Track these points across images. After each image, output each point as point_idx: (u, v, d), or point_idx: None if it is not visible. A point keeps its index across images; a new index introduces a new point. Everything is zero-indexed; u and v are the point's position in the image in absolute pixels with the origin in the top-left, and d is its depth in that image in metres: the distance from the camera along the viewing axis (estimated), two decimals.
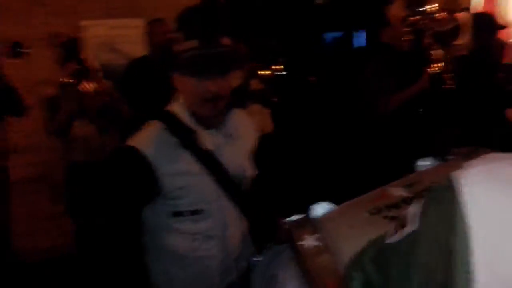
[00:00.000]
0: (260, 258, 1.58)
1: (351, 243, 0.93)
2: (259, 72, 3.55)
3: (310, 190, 3.89)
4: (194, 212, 1.50)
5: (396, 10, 3.14)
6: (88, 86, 3.10)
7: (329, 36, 9.11)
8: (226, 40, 1.46)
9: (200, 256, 1.54)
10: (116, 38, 4.01)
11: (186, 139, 1.50)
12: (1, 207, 3.32)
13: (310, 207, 1.07)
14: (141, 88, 3.46)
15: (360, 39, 8.70)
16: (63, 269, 3.54)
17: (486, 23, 3.37)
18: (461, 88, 3.04)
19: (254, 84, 3.75)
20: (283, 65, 3.54)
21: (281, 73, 3.56)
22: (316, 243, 0.95)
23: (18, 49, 3.12)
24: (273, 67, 3.57)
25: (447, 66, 3.04)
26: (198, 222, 1.51)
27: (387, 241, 0.65)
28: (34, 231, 3.81)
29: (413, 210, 0.64)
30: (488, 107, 2.91)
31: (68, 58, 3.11)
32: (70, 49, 3.12)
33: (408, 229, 0.62)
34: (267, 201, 1.73)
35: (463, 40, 3.25)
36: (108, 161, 1.62)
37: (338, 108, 6.16)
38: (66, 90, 3.07)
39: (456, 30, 3.27)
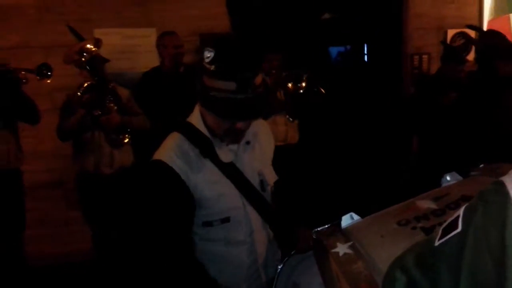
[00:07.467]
0: (281, 266, 1.63)
1: (383, 251, 1.00)
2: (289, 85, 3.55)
3: (325, 201, 3.95)
4: (224, 220, 1.54)
5: None
6: (107, 106, 3.19)
7: (338, 49, 9.31)
8: (259, 79, 1.41)
9: (229, 262, 1.58)
10: (129, 47, 4.07)
11: (207, 149, 1.53)
12: (15, 211, 3.36)
13: (341, 217, 1.13)
14: (154, 99, 3.51)
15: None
16: (74, 275, 3.56)
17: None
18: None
19: (280, 95, 3.72)
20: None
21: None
22: (349, 251, 1.01)
23: (45, 71, 3.21)
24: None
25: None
26: (227, 229, 1.56)
27: (432, 244, 0.69)
28: (46, 237, 3.84)
29: (457, 214, 0.68)
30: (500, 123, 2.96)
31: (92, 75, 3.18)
32: (93, 67, 3.17)
33: (453, 232, 0.66)
34: (287, 209, 1.75)
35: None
36: (143, 178, 1.62)
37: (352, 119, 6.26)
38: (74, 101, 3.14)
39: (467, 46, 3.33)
